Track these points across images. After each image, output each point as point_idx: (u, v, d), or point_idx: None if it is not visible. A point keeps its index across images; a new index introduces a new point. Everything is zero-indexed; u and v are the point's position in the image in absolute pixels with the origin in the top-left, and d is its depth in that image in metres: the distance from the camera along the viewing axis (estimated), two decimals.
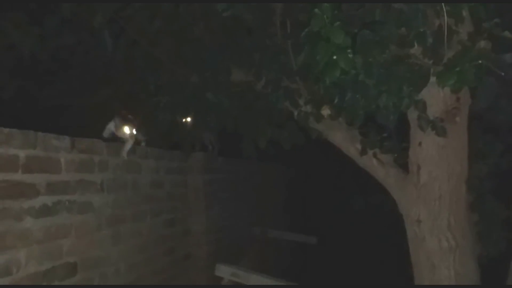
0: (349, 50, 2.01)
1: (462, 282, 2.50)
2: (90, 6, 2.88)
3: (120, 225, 3.04)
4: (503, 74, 1.96)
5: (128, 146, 3.08)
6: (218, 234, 4.57)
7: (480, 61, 1.90)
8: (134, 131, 3.07)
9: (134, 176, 3.33)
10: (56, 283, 2.39)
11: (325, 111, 2.77)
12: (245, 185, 5.77)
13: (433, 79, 2.08)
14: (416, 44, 2.11)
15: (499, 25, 1.96)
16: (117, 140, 3.02)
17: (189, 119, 3.85)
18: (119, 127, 2.97)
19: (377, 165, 2.64)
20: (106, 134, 2.96)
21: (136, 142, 3.20)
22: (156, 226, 3.61)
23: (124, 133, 3.00)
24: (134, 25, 3.09)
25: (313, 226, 6.58)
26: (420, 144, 2.40)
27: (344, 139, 2.78)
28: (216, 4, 2.68)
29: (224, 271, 3.90)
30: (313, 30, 2.03)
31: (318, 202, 8.05)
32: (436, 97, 2.24)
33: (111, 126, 2.97)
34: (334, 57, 2.02)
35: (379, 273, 5.16)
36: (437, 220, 2.45)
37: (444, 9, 1.99)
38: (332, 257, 6.25)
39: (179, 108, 3.36)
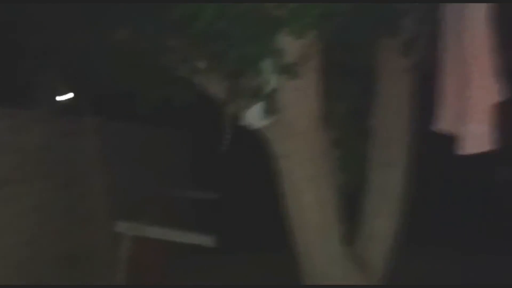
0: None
1: (324, 206, 2.92)
2: None
3: (5, 187, 3.06)
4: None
5: None
6: (118, 196, 4.69)
7: (320, 8, 2.22)
8: None
9: (21, 139, 3.34)
10: None
11: (201, 64, 2.98)
12: (145, 149, 5.89)
13: (283, 27, 2.38)
14: None
15: None
16: None
17: None
18: None
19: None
20: None
21: None
22: (49, 188, 3.66)
23: None
24: None
25: (217, 183, 6.88)
26: (282, 88, 2.72)
27: (220, 90, 3.03)
28: None
29: (124, 227, 4.06)
30: None
31: (220, 160, 8.37)
32: (290, 45, 2.55)
33: None
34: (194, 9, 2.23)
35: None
36: (301, 153, 2.83)
37: None
38: (234, 210, 6.67)
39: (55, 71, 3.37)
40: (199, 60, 2.99)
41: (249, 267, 5.45)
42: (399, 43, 2.96)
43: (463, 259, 5.40)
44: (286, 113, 2.76)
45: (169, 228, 4.28)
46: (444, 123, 2.76)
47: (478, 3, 2.46)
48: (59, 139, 3.97)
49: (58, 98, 4.70)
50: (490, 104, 2.43)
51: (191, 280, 5.05)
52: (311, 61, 2.63)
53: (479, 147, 2.40)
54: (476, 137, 2.42)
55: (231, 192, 6.75)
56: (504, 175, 7.40)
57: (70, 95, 4.63)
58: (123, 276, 4.02)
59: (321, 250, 2.92)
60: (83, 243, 4.17)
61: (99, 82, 3.66)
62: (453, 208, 6.62)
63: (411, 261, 4.22)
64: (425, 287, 4.81)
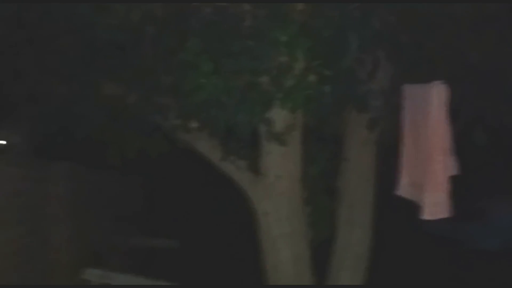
0: (213, 76, 2.54)
1: (299, 261, 3.20)
2: None
3: None
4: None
5: None
6: (80, 243, 4.70)
7: (308, 91, 2.59)
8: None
9: None
10: None
11: (193, 124, 3.24)
12: (106, 194, 5.93)
13: (277, 102, 2.72)
14: (264, 75, 2.73)
15: (323, 65, 2.69)
16: None
17: None
18: None
19: (235, 170, 3.21)
20: None
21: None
22: (13, 236, 3.61)
23: None
24: None
25: (174, 230, 6.96)
26: (268, 152, 3.03)
27: (207, 148, 3.29)
28: (82, 17, 2.92)
29: (93, 274, 4.09)
30: (185, 59, 2.51)
31: (178, 207, 8.46)
32: (279, 115, 2.89)
33: None
34: (202, 81, 2.52)
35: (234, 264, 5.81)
36: (279, 211, 3.12)
37: (284, 50, 2.65)
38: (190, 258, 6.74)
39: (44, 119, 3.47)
40: (190, 120, 3.25)
41: None
42: (366, 118, 3.39)
43: None
44: (269, 175, 3.06)
45: (133, 275, 4.34)
46: (403, 190, 3.19)
47: (436, 85, 2.93)
48: (29, 184, 3.99)
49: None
50: (447, 177, 2.86)
51: None
52: (295, 130, 2.98)
53: (438, 214, 2.80)
54: (435, 204, 2.83)
55: (191, 239, 6.83)
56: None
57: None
58: None
59: None
60: None
61: (75, 128, 3.76)
62: None
63: None
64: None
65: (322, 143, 3.64)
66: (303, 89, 2.58)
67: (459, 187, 3.12)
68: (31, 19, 3.16)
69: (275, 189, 3.09)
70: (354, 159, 3.59)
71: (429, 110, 3.01)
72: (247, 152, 3.23)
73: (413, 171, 3.15)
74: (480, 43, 2.88)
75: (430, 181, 2.94)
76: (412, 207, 3.06)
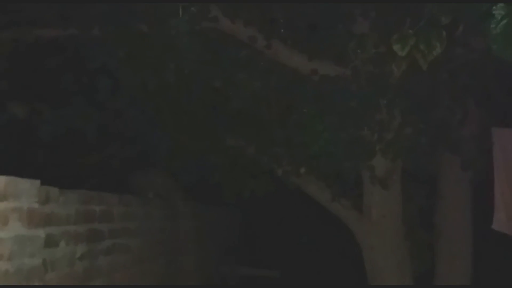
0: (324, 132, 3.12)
1: None
2: None
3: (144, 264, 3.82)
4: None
5: None
6: (202, 271, 5.41)
7: (406, 142, 3.06)
8: None
9: (149, 224, 4.16)
10: None
11: (302, 170, 3.82)
12: (215, 228, 6.68)
13: (378, 152, 3.22)
14: (366, 129, 3.25)
15: (417, 119, 3.16)
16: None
17: None
18: None
19: (341, 208, 3.71)
20: None
21: None
22: (158, 265, 4.37)
23: None
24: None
25: (274, 261, 7.51)
26: (371, 193, 3.51)
27: (316, 190, 3.84)
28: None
29: None
30: (300, 121, 3.13)
31: (277, 240, 9.04)
32: (380, 162, 3.37)
33: None
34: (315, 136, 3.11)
35: None
36: (384, 246, 3.54)
37: (384, 108, 3.16)
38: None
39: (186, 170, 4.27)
40: (301, 166, 3.83)
41: None
42: (460, 159, 3.74)
43: None
44: (373, 214, 3.52)
45: None
46: (499, 224, 3.48)
47: None
48: (164, 221, 4.78)
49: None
50: None
51: None
52: (395, 174, 3.44)
53: None
54: None
55: (290, 270, 7.33)
56: None
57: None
58: None
59: None
60: None
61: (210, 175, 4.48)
62: None
63: None
64: None
65: (419, 184, 4.02)
66: (401, 141, 3.06)
67: None
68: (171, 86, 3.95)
69: (379, 226, 3.54)
70: (449, 196, 3.93)
71: None
72: (352, 194, 3.72)
73: (507, 207, 3.44)
74: None
75: None
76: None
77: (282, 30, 3.56)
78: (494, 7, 1.76)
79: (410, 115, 3.15)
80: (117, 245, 3.26)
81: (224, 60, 3.59)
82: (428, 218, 4.12)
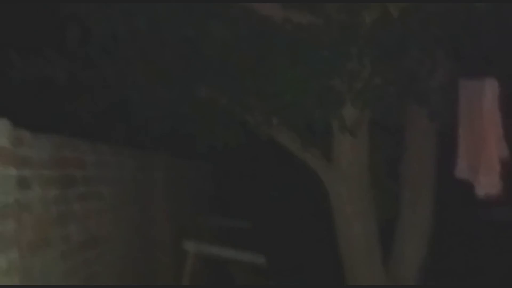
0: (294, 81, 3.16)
1: (369, 236, 3.77)
2: None
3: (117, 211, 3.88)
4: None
5: None
6: (174, 221, 5.52)
7: (375, 92, 3.14)
8: None
9: (122, 173, 4.18)
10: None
11: (274, 120, 3.88)
12: (189, 180, 6.78)
13: (348, 101, 3.30)
14: (337, 78, 3.30)
15: (387, 69, 3.23)
16: None
17: None
18: None
19: (311, 157, 3.82)
20: None
21: None
22: (131, 213, 4.44)
23: None
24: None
25: (247, 212, 7.71)
26: (340, 142, 3.62)
27: (288, 140, 3.92)
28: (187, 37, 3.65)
29: (190, 246, 4.87)
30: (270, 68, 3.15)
31: (249, 193, 9.24)
32: (350, 112, 3.45)
33: None
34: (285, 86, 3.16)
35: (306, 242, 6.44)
36: (351, 192, 3.70)
37: (354, 57, 3.21)
38: (264, 237, 7.46)
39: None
40: (273, 116, 3.88)
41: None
42: (426, 110, 3.86)
43: None
44: (342, 162, 3.65)
45: (224, 247, 5.10)
46: (461, 172, 3.66)
47: (489, 80, 3.38)
48: (137, 172, 4.82)
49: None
50: (499, 159, 3.32)
51: None
52: (363, 123, 3.54)
53: (492, 193, 3.28)
54: (489, 184, 3.30)
55: (262, 221, 7.56)
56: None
57: None
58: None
59: (366, 271, 3.74)
60: (155, 260, 4.97)
61: (172, 125, 4.52)
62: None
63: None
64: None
65: (386, 133, 4.16)
66: (370, 91, 3.14)
67: None
68: (142, 35, 3.89)
69: (347, 174, 3.67)
70: (415, 146, 4.08)
71: (483, 102, 3.47)
72: (321, 142, 3.82)
73: (469, 156, 3.61)
74: None
75: (484, 164, 3.41)
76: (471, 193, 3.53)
77: None
78: None
79: (380, 65, 3.21)
80: (90, 192, 3.30)
81: (196, 8, 3.55)
82: (395, 168, 4.29)
